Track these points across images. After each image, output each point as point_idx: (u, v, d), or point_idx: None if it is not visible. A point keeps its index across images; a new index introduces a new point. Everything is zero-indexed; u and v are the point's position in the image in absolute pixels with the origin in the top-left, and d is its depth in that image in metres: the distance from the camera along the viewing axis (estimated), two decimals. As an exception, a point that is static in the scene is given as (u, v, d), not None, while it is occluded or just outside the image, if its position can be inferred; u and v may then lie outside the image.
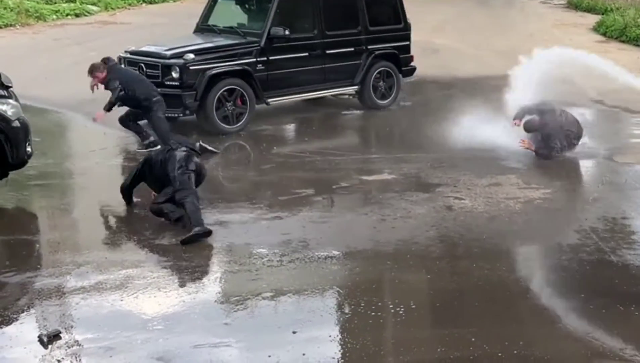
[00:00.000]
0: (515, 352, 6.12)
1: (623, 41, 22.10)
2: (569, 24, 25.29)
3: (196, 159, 9.04)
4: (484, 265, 7.69)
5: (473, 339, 6.26)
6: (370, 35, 14.44)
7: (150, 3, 29.02)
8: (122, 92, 11.31)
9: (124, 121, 11.95)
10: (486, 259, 7.85)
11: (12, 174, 9.55)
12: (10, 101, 9.31)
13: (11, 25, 23.38)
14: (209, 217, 8.93)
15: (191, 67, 12.36)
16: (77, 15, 25.73)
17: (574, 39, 22.51)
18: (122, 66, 12.92)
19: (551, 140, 11.21)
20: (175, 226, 8.53)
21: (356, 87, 14.48)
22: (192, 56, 12.45)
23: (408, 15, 15.16)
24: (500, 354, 6.08)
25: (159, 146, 10.89)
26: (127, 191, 9.25)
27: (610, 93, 15.62)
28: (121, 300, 6.91)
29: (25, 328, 6.50)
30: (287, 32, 13.18)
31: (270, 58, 13.17)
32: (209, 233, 8.26)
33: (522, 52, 16.43)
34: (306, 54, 13.63)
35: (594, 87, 16.11)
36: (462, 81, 16.42)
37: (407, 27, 15.12)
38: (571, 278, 7.50)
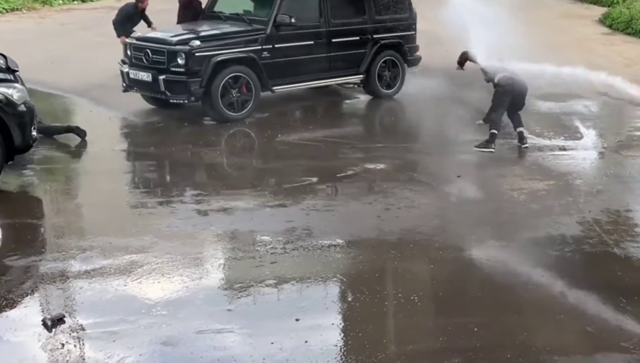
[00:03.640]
0: (517, 342, 6.13)
1: (629, 34, 22.02)
2: (575, 15, 25.21)
3: None
4: (487, 256, 7.71)
5: (475, 329, 6.28)
6: (376, 24, 14.43)
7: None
8: None
9: None
10: (489, 249, 7.86)
11: (18, 158, 9.58)
12: (16, 85, 9.37)
13: (17, 9, 23.43)
14: (213, 204, 8.98)
15: (197, 54, 12.36)
16: (83, 1, 25.77)
17: (580, 31, 22.49)
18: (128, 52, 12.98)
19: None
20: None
21: (361, 76, 14.47)
22: (197, 42, 12.46)
23: (414, 5, 15.16)
24: (502, 344, 6.11)
25: None
26: None
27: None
28: (125, 285, 6.94)
29: (30, 311, 6.54)
30: (293, 20, 13.17)
31: (276, 46, 13.17)
32: None
33: (527, 42, 16.36)
34: (312, 42, 13.63)
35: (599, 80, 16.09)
36: (467, 71, 16.37)
37: (413, 16, 15.11)
38: (574, 270, 7.52)
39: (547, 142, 11.88)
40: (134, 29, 14.43)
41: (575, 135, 12.38)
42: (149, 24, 14.83)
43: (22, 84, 9.53)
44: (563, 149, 11.63)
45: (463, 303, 6.83)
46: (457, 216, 8.82)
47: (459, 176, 10.09)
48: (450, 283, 7.22)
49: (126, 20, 14.64)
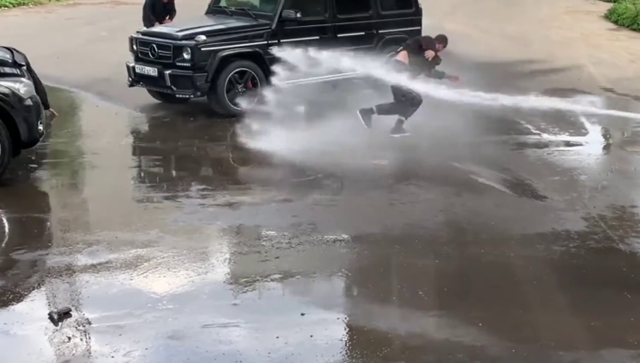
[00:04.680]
0: (522, 337, 6.15)
1: (634, 29, 22.02)
2: (581, 11, 25.19)
3: None
4: (492, 251, 7.72)
5: (480, 324, 6.29)
6: (382, 19, 14.42)
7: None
8: None
9: None
10: (494, 245, 7.87)
11: (25, 153, 9.61)
12: (23, 79, 9.40)
13: (24, 4, 23.46)
14: (219, 198, 9.01)
15: (203, 49, 12.39)
16: (91, -4, 25.84)
17: (586, 27, 22.48)
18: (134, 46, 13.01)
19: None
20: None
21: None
22: (203, 37, 12.49)
23: (419, 0, 15.16)
24: (507, 340, 6.11)
25: None
26: None
27: (621, 81, 15.61)
28: (131, 279, 6.96)
29: (36, 305, 6.57)
30: (298, 15, 13.18)
31: (282, 41, 13.18)
32: None
33: (533, 37, 16.39)
34: (317, 37, 13.62)
35: (604, 75, 16.11)
36: (472, 67, 16.38)
37: (419, 11, 15.09)
38: (579, 265, 7.51)
39: (552, 138, 11.89)
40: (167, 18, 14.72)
41: (581, 131, 12.38)
42: (171, 16, 15.00)
43: (29, 78, 9.54)
44: (568, 144, 11.64)
45: (468, 298, 6.83)
46: (462, 211, 8.82)
47: (464, 172, 10.09)
48: (455, 278, 7.23)
49: (149, 9, 14.84)
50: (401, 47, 11.93)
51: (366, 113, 11.66)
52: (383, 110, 11.73)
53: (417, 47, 11.73)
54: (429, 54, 11.65)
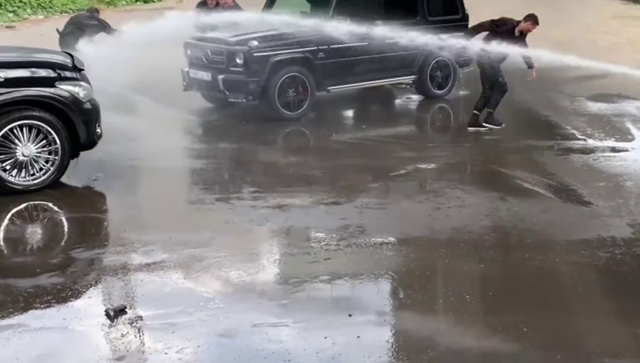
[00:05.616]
0: (567, 344, 6.12)
1: (682, 35, 21.84)
2: (628, 16, 24.92)
3: None
4: (537, 256, 7.72)
5: (525, 329, 6.28)
6: (429, 25, 14.50)
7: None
8: None
9: None
10: (539, 250, 7.87)
11: (83, 155, 9.84)
12: (82, 83, 9.59)
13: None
14: (270, 200, 9.14)
15: (255, 54, 12.59)
16: (145, 2, 26.08)
17: (632, 32, 22.27)
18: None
19: None
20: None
21: (414, 76, 14.58)
22: (256, 43, 12.68)
23: (466, 6, 15.22)
24: (552, 346, 6.08)
25: None
26: None
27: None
28: (184, 279, 7.10)
29: (93, 302, 6.72)
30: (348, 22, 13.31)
31: (331, 46, 13.32)
32: None
33: (579, 43, 16.31)
34: (366, 42, 13.74)
35: None
36: (517, 72, 16.37)
37: (465, 17, 15.15)
38: (624, 272, 7.48)
39: (597, 143, 11.89)
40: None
41: (627, 137, 12.35)
42: None
43: (88, 82, 9.76)
44: (614, 150, 11.62)
45: (513, 302, 6.84)
46: (507, 216, 8.85)
47: (509, 177, 10.14)
48: (500, 282, 7.27)
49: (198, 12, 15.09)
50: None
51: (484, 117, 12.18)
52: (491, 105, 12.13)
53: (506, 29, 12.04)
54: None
